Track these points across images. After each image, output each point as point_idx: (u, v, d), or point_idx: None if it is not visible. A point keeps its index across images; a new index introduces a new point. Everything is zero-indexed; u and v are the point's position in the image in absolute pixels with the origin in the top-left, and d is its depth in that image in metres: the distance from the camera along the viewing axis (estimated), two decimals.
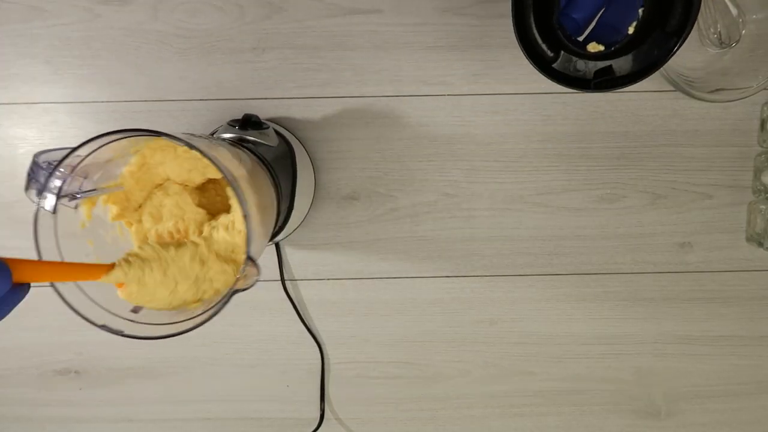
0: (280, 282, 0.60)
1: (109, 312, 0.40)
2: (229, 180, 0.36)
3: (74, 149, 0.36)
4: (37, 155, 0.39)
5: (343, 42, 0.57)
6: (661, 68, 0.54)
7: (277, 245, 0.60)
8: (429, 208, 0.60)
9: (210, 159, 0.36)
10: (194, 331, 0.62)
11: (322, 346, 0.61)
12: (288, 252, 0.60)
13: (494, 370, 0.62)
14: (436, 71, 0.58)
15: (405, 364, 0.62)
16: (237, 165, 0.41)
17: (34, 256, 0.38)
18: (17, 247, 0.59)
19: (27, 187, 0.39)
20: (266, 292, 0.61)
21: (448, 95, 0.58)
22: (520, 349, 0.62)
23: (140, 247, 0.40)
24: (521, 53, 0.58)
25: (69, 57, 0.58)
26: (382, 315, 0.61)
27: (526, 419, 0.63)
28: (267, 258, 0.60)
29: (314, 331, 0.61)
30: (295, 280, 0.61)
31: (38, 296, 0.60)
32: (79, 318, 0.62)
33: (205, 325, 0.63)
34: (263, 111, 0.58)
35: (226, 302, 0.37)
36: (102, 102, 0.58)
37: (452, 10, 0.57)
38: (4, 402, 0.63)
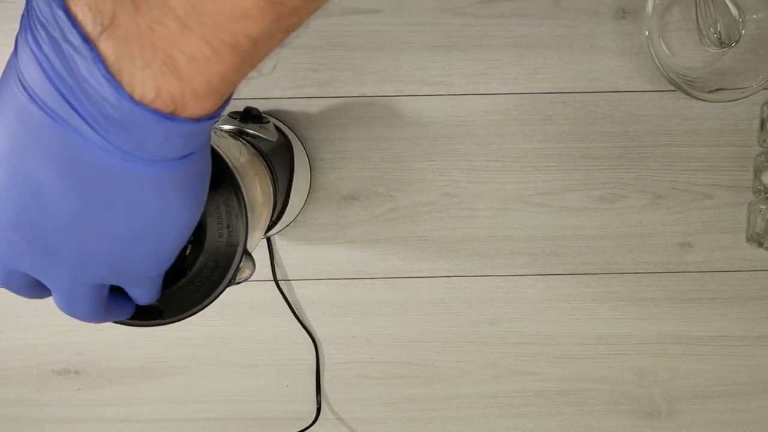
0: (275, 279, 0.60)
1: None
2: (232, 171, 0.36)
3: None
4: None
5: (343, 42, 0.57)
6: (662, 68, 0.54)
7: (268, 241, 0.60)
8: (429, 208, 0.60)
9: (214, 149, 0.36)
10: (194, 330, 0.62)
11: (316, 340, 0.61)
12: (287, 252, 0.60)
13: (494, 370, 0.62)
14: (436, 71, 0.58)
15: (405, 364, 0.62)
16: (237, 156, 0.41)
17: None
18: None
19: None
20: (266, 292, 0.60)
21: (448, 95, 0.58)
22: (520, 349, 0.62)
23: None
24: (521, 53, 0.58)
25: None
26: (382, 315, 0.61)
27: (526, 419, 0.63)
28: (267, 258, 0.60)
29: (309, 328, 0.61)
30: (295, 280, 0.61)
31: None
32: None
33: (205, 325, 0.63)
34: (262, 110, 0.58)
35: (219, 294, 0.37)
36: None
37: (452, 10, 0.57)
38: (3, 402, 0.63)
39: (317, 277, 0.61)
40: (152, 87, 0.23)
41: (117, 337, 0.61)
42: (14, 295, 0.28)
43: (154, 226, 0.26)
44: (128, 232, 0.26)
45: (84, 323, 0.40)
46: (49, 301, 0.29)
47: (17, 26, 0.27)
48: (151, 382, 0.62)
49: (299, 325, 0.61)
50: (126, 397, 0.63)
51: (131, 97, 0.22)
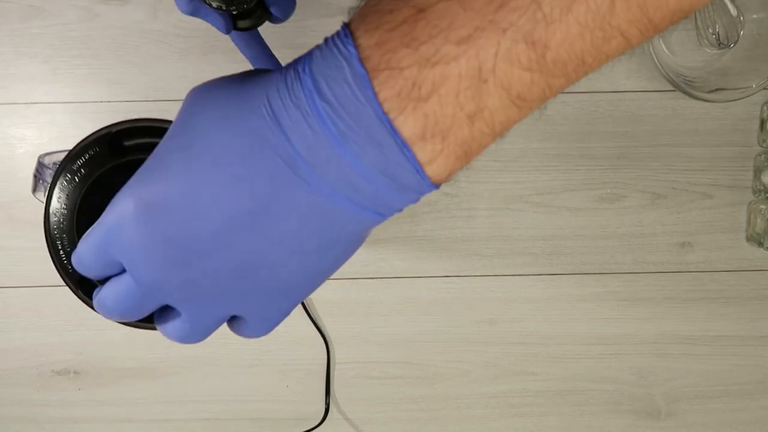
0: None
1: None
2: None
3: (81, 142, 0.36)
4: (41, 156, 0.39)
5: None
6: (662, 68, 0.54)
7: None
8: (429, 208, 0.60)
9: None
10: None
11: (328, 341, 0.61)
12: None
13: (494, 370, 0.62)
14: None
15: (405, 364, 0.62)
16: None
17: (37, 256, 0.38)
18: (17, 247, 0.59)
19: (35, 189, 0.39)
20: None
21: None
22: (520, 349, 0.62)
23: None
24: None
25: (68, 56, 0.57)
26: (382, 315, 0.61)
27: (526, 419, 0.63)
28: None
29: (321, 329, 0.61)
30: None
31: (38, 296, 0.60)
32: (78, 318, 0.63)
33: None
34: None
35: None
36: (101, 102, 0.58)
37: None
38: (3, 402, 0.63)
39: None
40: (446, 172, 0.24)
41: (117, 337, 0.61)
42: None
43: (340, 265, 0.28)
44: (327, 269, 0.27)
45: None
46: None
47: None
48: (151, 382, 0.62)
49: (300, 326, 0.61)
50: (126, 397, 0.63)
51: (430, 182, 0.24)
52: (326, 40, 0.24)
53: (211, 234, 0.24)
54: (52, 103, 0.58)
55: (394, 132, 0.22)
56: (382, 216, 0.25)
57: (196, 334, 0.29)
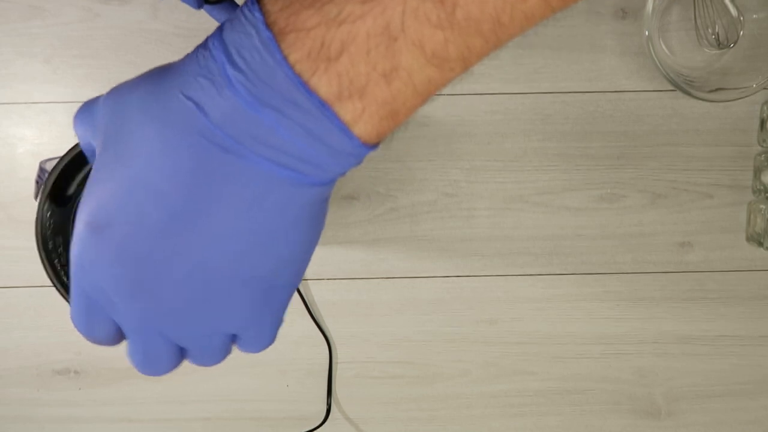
0: None
1: None
2: None
3: (75, 147, 0.36)
4: (43, 162, 0.39)
5: None
6: (662, 68, 0.54)
7: None
8: (429, 207, 0.60)
9: None
10: None
11: (330, 341, 0.61)
12: None
13: (494, 370, 0.62)
14: None
15: (405, 364, 0.62)
16: None
17: (37, 256, 0.38)
18: (17, 246, 0.59)
19: (37, 195, 0.39)
20: None
21: (447, 95, 0.58)
22: (520, 349, 0.62)
23: None
24: (521, 52, 0.58)
25: (68, 56, 0.57)
26: (381, 315, 0.61)
27: (526, 419, 0.63)
28: None
29: (324, 329, 0.61)
30: None
31: (38, 296, 0.60)
32: None
33: None
34: None
35: None
36: None
37: None
38: (3, 402, 0.63)
39: (317, 277, 0.61)
40: (374, 131, 0.24)
41: None
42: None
43: (309, 247, 0.26)
44: (293, 254, 0.26)
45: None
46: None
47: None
48: (151, 382, 0.62)
49: (300, 326, 0.61)
50: (126, 396, 0.63)
51: (360, 142, 0.24)
52: (236, 11, 0.23)
53: (159, 236, 0.23)
54: (52, 103, 0.58)
55: (309, 93, 0.22)
56: (322, 182, 0.24)
57: (207, 359, 0.29)
